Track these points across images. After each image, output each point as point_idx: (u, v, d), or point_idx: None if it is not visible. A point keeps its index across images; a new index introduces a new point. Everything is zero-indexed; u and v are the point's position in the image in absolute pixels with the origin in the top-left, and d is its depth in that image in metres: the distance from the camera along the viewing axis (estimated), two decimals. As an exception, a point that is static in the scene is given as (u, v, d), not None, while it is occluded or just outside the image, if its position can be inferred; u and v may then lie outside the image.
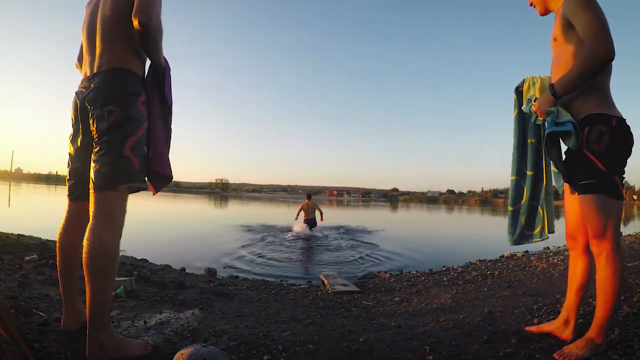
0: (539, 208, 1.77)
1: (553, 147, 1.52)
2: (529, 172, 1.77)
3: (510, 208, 1.84)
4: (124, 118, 1.38)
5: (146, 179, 1.52)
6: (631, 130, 1.40)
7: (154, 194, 1.64)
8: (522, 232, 1.80)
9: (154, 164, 1.52)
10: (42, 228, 5.26)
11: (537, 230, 1.78)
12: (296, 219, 9.04)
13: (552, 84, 1.45)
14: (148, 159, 1.50)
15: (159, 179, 1.57)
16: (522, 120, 1.81)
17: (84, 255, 1.30)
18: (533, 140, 1.76)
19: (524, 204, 1.80)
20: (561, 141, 1.51)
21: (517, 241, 1.82)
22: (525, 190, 1.80)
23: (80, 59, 1.62)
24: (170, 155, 1.61)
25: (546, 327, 1.70)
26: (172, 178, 1.60)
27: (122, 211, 1.40)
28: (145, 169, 1.47)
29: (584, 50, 1.34)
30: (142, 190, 1.48)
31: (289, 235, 8.34)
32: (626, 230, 9.67)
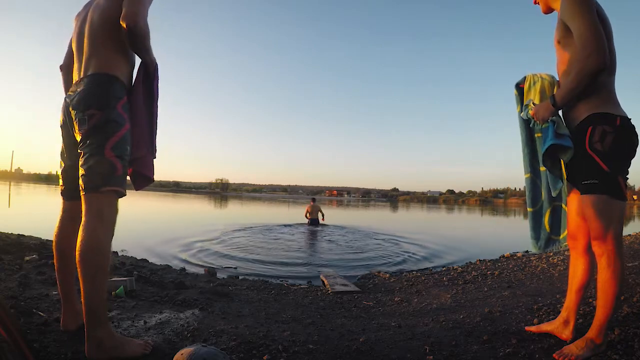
0: (563, 205, 1.63)
1: (549, 157, 1.51)
2: (542, 168, 1.68)
3: (529, 209, 1.71)
4: (104, 120, 1.41)
5: (128, 177, 1.56)
6: (636, 130, 1.39)
7: (136, 190, 1.70)
8: (548, 237, 1.66)
9: (140, 167, 1.58)
10: (42, 228, 5.26)
11: (563, 234, 1.63)
12: (305, 216, 10.74)
13: (553, 95, 1.45)
14: (134, 161, 1.54)
15: (141, 179, 1.64)
16: (527, 117, 1.72)
17: (76, 254, 1.33)
18: (540, 135, 1.65)
19: (544, 203, 1.67)
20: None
21: (544, 247, 1.67)
22: (542, 188, 1.68)
23: (63, 66, 1.67)
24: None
25: (546, 327, 1.70)
26: (153, 180, 1.66)
27: (112, 210, 1.43)
28: (126, 173, 1.50)
29: (575, 63, 1.34)
30: (123, 196, 1.48)
31: (294, 231, 9.39)
32: (626, 230, 9.66)
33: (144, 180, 1.65)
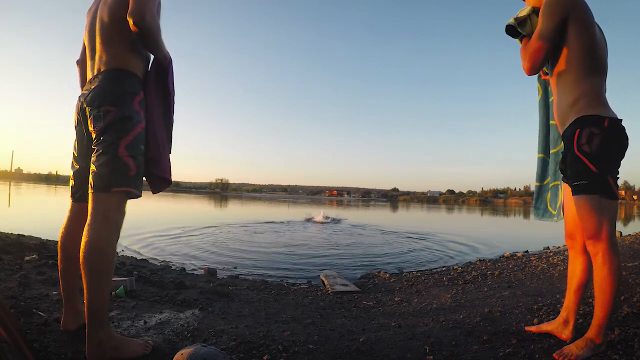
0: (560, 187, 1.82)
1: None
2: (552, 150, 1.85)
3: (536, 183, 1.94)
4: (119, 117, 1.40)
5: (144, 179, 1.53)
6: (626, 131, 1.41)
7: (153, 193, 1.66)
8: (546, 208, 1.89)
9: (154, 168, 1.54)
10: (42, 228, 5.26)
11: (555, 211, 1.85)
12: (317, 217, 13.76)
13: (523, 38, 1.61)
14: (148, 162, 1.51)
15: (159, 181, 1.59)
16: (546, 103, 1.90)
17: (80, 254, 1.32)
18: (554, 122, 1.82)
19: (549, 181, 1.88)
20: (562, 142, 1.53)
21: (542, 216, 1.90)
22: (550, 168, 1.89)
23: (79, 61, 1.68)
24: (170, 156, 1.62)
25: (546, 327, 1.70)
26: (171, 182, 1.62)
27: (119, 212, 1.40)
28: (142, 173, 1.48)
29: (524, 49, 1.53)
30: (137, 197, 1.46)
31: (294, 229, 10.23)
32: (626, 230, 9.67)
33: (161, 182, 1.59)
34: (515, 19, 1.64)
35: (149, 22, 1.39)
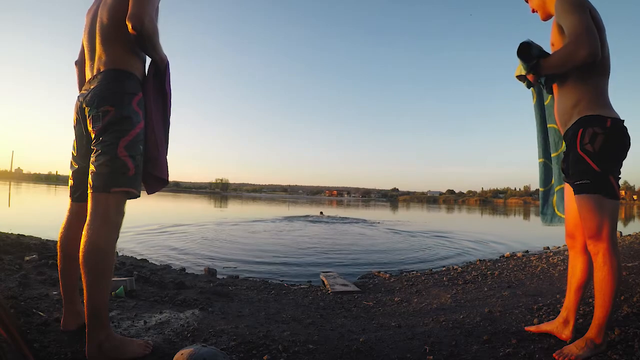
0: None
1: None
2: (553, 154, 1.85)
3: (541, 189, 1.94)
4: (118, 117, 1.40)
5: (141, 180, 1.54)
6: (628, 131, 1.41)
7: (148, 194, 1.66)
8: (554, 213, 1.88)
9: (152, 168, 1.54)
10: (42, 228, 5.26)
11: (564, 214, 1.83)
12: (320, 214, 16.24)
13: (539, 60, 1.47)
14: (147, 162, 1.51)
15: (155, 181, 1.59)
16: (541, 107, 1.89)
17: (80, 254, 1.32)
18: (554, 125, 1.82)
19: (554, 185, 1.87)
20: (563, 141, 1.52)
21: (551, 221, 1.90)
22: (553, 172, 1.87)
23: (77, 62, 1.68)
24: (169, 156, 1.63)
25: (546, 327, 1.70)
26: (168, 182, 1.62)
27: (119, 212, 1.41)
28: (141, 173, 1.48)
29: (566, 46, 1.36)
30: (136, 197, 1.46)
31: (293, 227, 10.50)
32: (626, 230, 9.66)
33: (157, 182, 1.60)
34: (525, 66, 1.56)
35: (147, 26, 1.40)
